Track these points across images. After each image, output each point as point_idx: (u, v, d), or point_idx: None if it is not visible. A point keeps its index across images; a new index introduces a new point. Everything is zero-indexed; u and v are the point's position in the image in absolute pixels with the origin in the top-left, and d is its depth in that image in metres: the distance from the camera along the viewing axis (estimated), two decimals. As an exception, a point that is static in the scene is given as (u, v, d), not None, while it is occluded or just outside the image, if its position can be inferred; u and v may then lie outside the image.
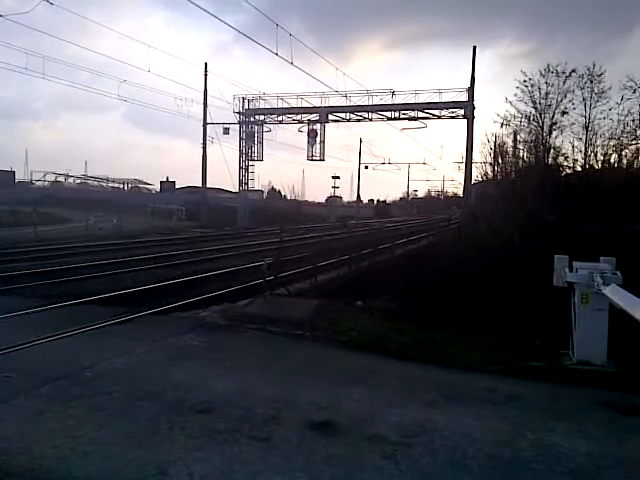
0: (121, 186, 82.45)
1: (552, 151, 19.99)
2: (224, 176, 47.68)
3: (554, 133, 19.90)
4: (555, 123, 20.02)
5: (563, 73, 19.23)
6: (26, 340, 7.32)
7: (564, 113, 19.70)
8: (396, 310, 9.97)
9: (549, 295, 9.07)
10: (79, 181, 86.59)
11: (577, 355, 7.50)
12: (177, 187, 71.77)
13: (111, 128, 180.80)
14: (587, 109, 19.71)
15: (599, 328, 7.35)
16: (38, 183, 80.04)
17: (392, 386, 6.43)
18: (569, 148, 19.89)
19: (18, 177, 70.63)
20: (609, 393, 6.54)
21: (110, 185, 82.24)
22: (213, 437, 4.77)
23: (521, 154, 20.09)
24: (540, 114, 20.14)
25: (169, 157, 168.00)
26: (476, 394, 6.27)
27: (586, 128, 19.99)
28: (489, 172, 20.69)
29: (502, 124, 19.88)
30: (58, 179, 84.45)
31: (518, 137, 20.39)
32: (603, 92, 19.40)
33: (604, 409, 6.03)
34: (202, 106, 43.56)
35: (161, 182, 70.98)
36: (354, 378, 6.61)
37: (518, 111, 19.87)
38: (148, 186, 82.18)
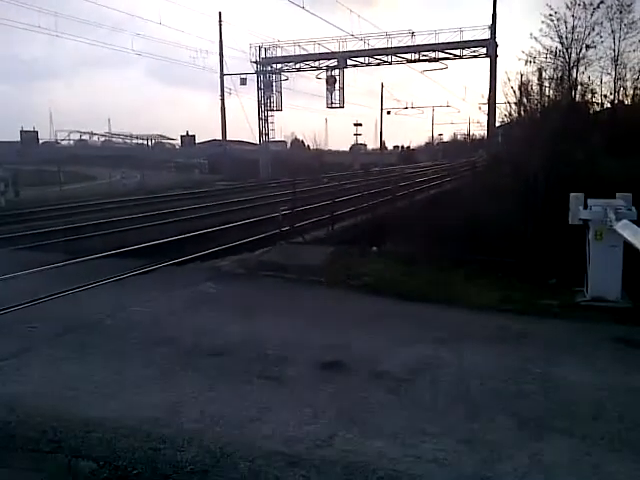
0: (144, 142, 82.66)
1: (579, 87, 19.36)
2: (246, 128, 47.51)
3: (581, 68, 19.24)
4: (582, 58, 19.34)
5: (591, 5, 18.45)
6: (50, 292, 7.58)
7: (590, 47, 18.99)
8: (412, 254, 10.00)
9: (568, 235, 8.99)
10: (103, 139, 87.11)
11: (591, 292, 7.50)
12: (199, 141, 71.54)
13: (133, 84, 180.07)
14: (616, 42, 18.97)
15: (613, 264, 7.32)
16: (63, 142, 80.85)
17: (402, 327, 6.55)
18: (597, 84, 19.24)
19: (43, 137, 71.13)
20: (622, 328, 6.58)
21: (133, 141, 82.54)
22: (225, 378, 4.96)
23: (546, 92, 19.50)
24: (566, 49, 19.46)
25: (191, 111, 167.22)
26: (486, 332, 6.36)
27: (615, 62, 19.29)
28: (513, 112, 20.18)
29: (527, 61, 19.23)
30: (82, 137, 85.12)
31: (543, 74, 19.75)
32: (633, 23, 18.63)
33: (616, 343, 6.07)
34: (218, 57, 42.99)
35: (181, 136, 70.78)
36: (366, 321, 6.75)
37: (543, 47, 19.19)
38: (171, 141, 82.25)
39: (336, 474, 3.48)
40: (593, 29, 18.69)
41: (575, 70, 19.23)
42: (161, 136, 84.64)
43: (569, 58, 19.30)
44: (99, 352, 5.56)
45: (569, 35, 19.02)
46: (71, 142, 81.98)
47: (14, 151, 55.23)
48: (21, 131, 64.07)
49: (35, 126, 74.57)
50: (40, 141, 67.62)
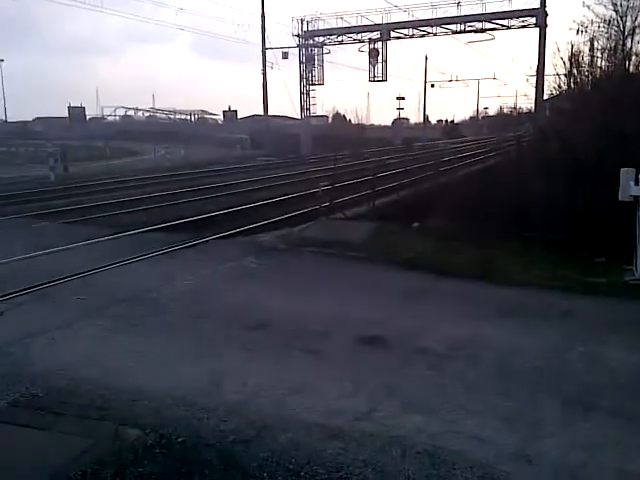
0: (188, 117, 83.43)
1: (634, 58, 18.50)
2: (287, 103, 47.33)
3: (637, 37, 18.36)
4: (638, 26, 18.43)
5: (649, -31, 17.49)
6: (98, 265, 7.81)
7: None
8: (454, 230, 9.88)
9: (619, 211, 8.70)
10: (148, 114, 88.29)
11: (641, 270, 7.26)
12: (241, 116, 71.77)
13: (177, 59, 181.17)
14: (676, 7, 17.96)
15: (665, 242, 7.06)
16: (109, 118, 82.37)
17: (444, 303, 6.50)
18: (654, 53, 18.33)
19: (90, 113, 72.57)
20: (672, 308, 6.37)
21: (177, 117, 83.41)
22: (267, 351, 5.04)
23: (598, 63, 18.73)
24: (621, 17, 18.58)
25: (233, 86, 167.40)
26: (530, 310, 6.26)
27: (674, 29, 18.30)
28: (562, 84, 19.49)
29: (578, 31, 18.43)
30: (128, 113, 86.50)
31: (596, 44, 18.95)
32: (694, -13, 17.58)
33: (665, 324, 5.89)
34: (260, 30, 42.74)
35: (224, 112, 71.05)
36: (406, 296, 6.72)
37: (596, 15, 18.35)
38: (213, 116, 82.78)
39: (375, 447, 3.50)
40: (651, -5, 17.76)
41: (630, 39, 18.37)
42: (204, 111, 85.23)
43: (624, 27, 18.44)
44: (146, 324, 5.71)
45: (624, 2, 18.14)
46: (117, 118, 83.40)
47: (62, 127, 56.58)
48: (69, 107, 65.51)
49: (82, 102, 75.89)
50: (87, 117, 69.01)
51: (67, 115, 64.70)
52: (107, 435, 3.69)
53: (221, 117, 75.22)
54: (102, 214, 13.06)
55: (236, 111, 70.14)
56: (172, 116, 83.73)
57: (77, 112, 64.21)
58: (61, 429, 3.78)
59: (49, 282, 7.00)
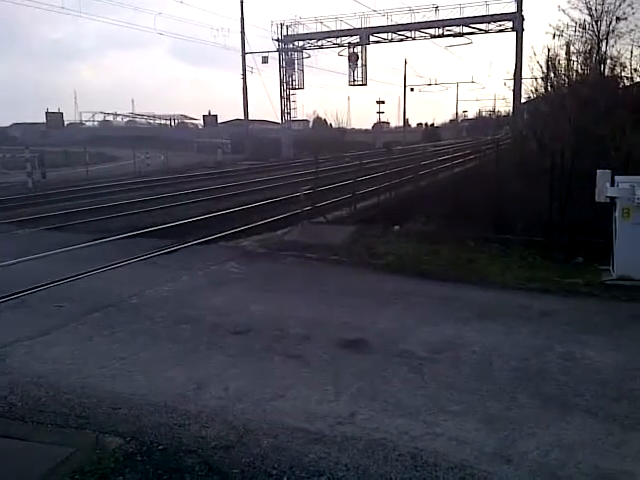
0: (167, 122, 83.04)
1: (608, 61, 18.80)
2: (268, 107, 47.33)
3: (611, 42, 18.65)
4: (612, 31, 18.72)
5: (623, -26, 17.81)
6: (77, 272, 7.74)
7: (621, 19, 18.38)
8: (434, 233, 9.95)
9: (595, 213, 8.84)
10: (127, 119, 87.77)
11: (617, 270, 7.39)
12: (222, 121, 71.56)
13: (156, 64, 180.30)
14: (649, 13, 18.28)
15: (640, 243, 7.18)
16: (88, 123, 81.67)
17: (425, 306, 6.55)
18: (627, 57, 18.65)
19: (68, 118, 71.96)
20: (649, 307, 6.48)
21: (157, 122, 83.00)
22: (248, 355, 5.03)
23: (574, 66, 19.01)
24: (596, 21, 18.86)
25: (213, 90, 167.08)
26: (510, 311, 6.32)
27: (647, 34, 18.60)
28: (539, 88, 19.74)
29: (554, 35, 18.68)
30: (107, 119, 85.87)
31: (572, 48, 19.24)
32: (667, -7, 17.91)
33: (641, 323, 5.98)
34: (239, 35, 42.68)
35: (204, 116, 70.82)
36: (388, 300, 6.75)
37: (572, 20, 18.59)
38: (193, 121, 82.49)
39: (357, 451, 3.52)
40: (624, 0, 18.06)
41: (605, 43, 18.65)
42: (184, 116, 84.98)
43: (598, 31, 18.71)
44: (125, 330, 5.66)
45: (599, 7, 18.42)
46: (95, 123, 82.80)
47: (40, 133, 55.90)
48: (46, 112, 64.76)
49: (60, 107, 75.19)
50: (65, 122, 68.30)
51: (45, 121, 63.96)
52: (87, 444, 3.65)
53: (201, 122, 74.90)
54: (82, 220, 12.95)
55: (216, 116, 69.84)
56: (152, 121, 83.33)
57: (55, 118, 63.48)
58: (40, 439, 3.74)
59: (27, 290, 6.92)
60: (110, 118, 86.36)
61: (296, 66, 42.51)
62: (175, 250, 9.54)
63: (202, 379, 4.53)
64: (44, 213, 14.18)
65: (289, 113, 44.16)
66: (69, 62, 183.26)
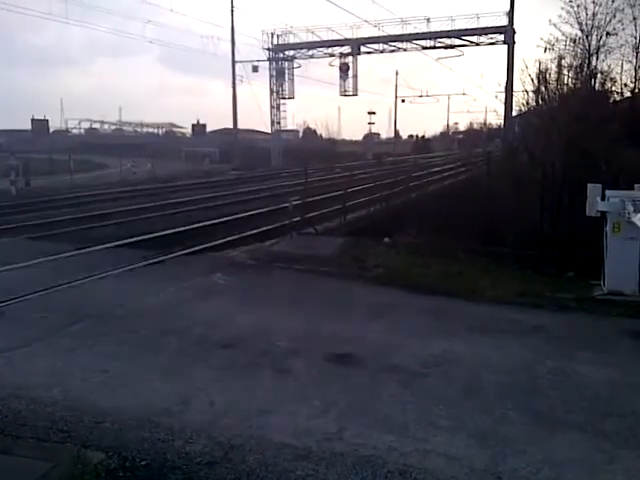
0: (155, 130, 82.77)
1: (599, 76, 19.02)
2: (257, 117, 47.31)
3: (601, 56, 18.89)
4: (603, 45, 18.99)
5: (612, -9, 18.06)
6: (61, 282, 7.59)
7: (611, 34, 18.63)
8: (424, 246, 9.93)
9: (586, 227, 8.87)
10: (114, 127, 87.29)
11: (608, 285, 7.39)
12: (211, 130, 71.63)
13: (145, 72, 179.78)
14: (637, 29, 18.58)
15: (631, 258, 7.20)
16: (74, 131, 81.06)
17: (415, 319, 6.50)
18: (617, 72, 18.88)
19: (54, 125, 71.36)
20: (639, 322, 6.47)
21: (144, 130, 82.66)
22: (235, 369, 4.94)
23: (565, 80, 19.20)
24: (587, 36, 19.12)
25: (203, 99, 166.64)
26: (500, 325, 6.29)
27: (636, 49, 18.92)
28: (531, 101, 19.89)
29: (545, 49, 18.90)
30: (93, 126, 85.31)
31: (562, 62, 19.43)
32: (656, 9, 18.20)
33: (632, 338, 5.98)
34: (230, 44, 42.65)
35: (192, 125, 70.78)
36: (378, 312, 6.69)
37: (563, 34, 18.84)
38: (182, 130, 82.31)
39: (345, 467, 3.44)
40: (614, 16, 18.34)
41: (595, 58, 18.93)
42: (172, 125, 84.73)
43: (589, 45, 18.99)
44: (110, 342, 5.54)
45: (589, 22, 18.70)
46: (81, 131, 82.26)
47: (25, 139, 55.44)
48: (32, 119, 64.37)
49: (46, 114, 74.48)
50: (51, 130, 67.89)
51: (30, 128, 63.52)
52: (69, 458, 3.54)
53: (190, 131, 74.81)
54: (66, 229, 12.77)
55: (205, 125, 69.98)
56: (139, 129, 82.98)
57: (40, 125, 63.13)
58: (21, 452, 3.63)
59: (9, 300, 6.77)
60: (97, 126, 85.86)
61: (286, 75, 42.58)
62: (162, 261, 9.41)
63: (187, 393, 4.43)
64: (27, 222, 13.93)
65: (279, 123, 44.19)
66: (55, 68, 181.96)
